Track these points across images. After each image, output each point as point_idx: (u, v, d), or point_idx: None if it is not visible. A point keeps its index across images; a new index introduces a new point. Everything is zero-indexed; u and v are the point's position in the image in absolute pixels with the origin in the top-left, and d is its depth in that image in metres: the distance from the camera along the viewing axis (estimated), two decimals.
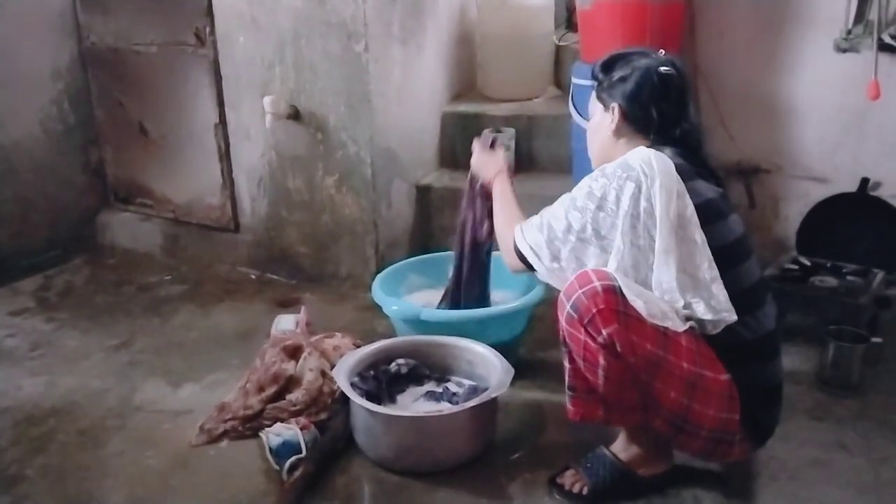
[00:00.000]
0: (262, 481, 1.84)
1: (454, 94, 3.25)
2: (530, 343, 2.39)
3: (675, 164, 1.60)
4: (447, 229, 2.98)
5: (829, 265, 2.54)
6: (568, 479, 1.76)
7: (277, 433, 1.89)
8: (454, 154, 3.13)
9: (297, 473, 1.78)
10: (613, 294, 1.54)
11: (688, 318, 1.57)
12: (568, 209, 1.67)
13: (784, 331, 2.29)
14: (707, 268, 1.56)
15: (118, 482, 1.86)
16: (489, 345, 2.06)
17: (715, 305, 1.56)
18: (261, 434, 1.95)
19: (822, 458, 1.86)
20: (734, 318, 1.57)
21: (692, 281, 1.57)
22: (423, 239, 3.01)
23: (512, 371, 1.93)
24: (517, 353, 2.29)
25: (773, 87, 2.87)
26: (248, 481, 1.84)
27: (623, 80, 1.70)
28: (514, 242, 1.78)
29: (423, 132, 3.05)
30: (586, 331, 1.55)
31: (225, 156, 3.03)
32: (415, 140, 2.98)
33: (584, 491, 1.73)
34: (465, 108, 3.16)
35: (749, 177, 2.96)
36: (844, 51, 2.67)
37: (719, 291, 1.56)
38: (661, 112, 1.67)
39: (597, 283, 1.54)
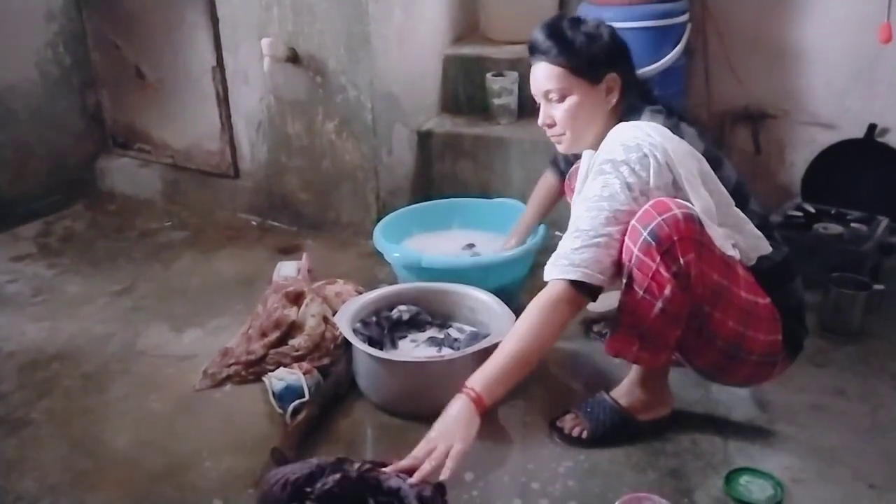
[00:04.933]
0: (265, 425, 1.86)
1: (456, 37, 3.18)
2: (532, 289, 2.37)
3: (664, 126, 1.58)
4: (448, 176, 2.96)
5: (833, 212, 2.52)
6: (568, 422, 1.78)
7: (280, 378, 1.90)
8: (456, 99, 3.08)
9: (301, 417, 1.80)
10: (693, 222, 1.50)
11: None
12: (592, 210, 1.54)
13: None
14: (736, 211, 1.60)
15: (123, 425, 1.88)
16: (491, 291, 2.06)
17: (753, 242, 1.61)
18: (264, 379, 1.96)
19: (821, 403, 1.87)
20: (769, 248, 1.63)
21: (732, 229, 1.59)
22: (425, 185, 2.98)
23: (513, 317, 1.92)
24: (518, 299, 2.29)
25: (782, 29, 2.80)
26: (252, 425, 1.86)
27: (593, 39, 1.60)
28: (556, 292, 1.58)
29: (425, 76, 2.99)
30: (662, 258, 1.50)
31: (223, 100, 2.98)
32: (416, 84, 2.92)
33: (584, 435, 1.75)
34: (467, 50, 3.09)
35: (756, 122, 2.92)
36: None
37: (751, 227, 1.61)
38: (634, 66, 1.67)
39: (677, 211, 1.49)
